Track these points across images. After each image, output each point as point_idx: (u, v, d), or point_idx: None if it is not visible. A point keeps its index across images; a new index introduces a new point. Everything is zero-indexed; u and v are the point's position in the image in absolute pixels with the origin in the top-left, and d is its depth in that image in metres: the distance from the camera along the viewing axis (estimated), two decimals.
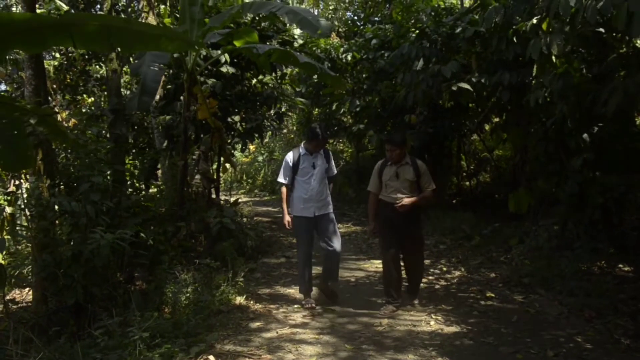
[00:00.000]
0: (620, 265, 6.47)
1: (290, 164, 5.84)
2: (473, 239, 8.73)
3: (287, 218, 5.89)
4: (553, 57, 5.95)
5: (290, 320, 5.39)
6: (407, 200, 5.41)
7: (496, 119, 10.48)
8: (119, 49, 4.34)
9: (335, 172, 6.21)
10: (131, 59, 10.85)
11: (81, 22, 4.18)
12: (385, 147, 5.73)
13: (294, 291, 6.42)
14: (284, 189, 5.95)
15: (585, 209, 6.83)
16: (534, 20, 6.01)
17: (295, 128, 19.03)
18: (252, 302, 6.01)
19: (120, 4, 9.84)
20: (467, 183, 12.59)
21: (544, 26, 5.71)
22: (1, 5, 18.89)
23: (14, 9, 14.99)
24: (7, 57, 9.73)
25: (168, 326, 4.78)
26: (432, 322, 5.17)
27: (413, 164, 5.54)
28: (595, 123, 6.73)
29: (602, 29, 5.81)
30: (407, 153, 5.61)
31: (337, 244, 5.83)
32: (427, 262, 7.19)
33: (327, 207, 5.90)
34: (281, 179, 5.93)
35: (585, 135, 6.70)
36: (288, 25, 9.93)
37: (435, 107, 10.45)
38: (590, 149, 6.67)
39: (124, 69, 11.07)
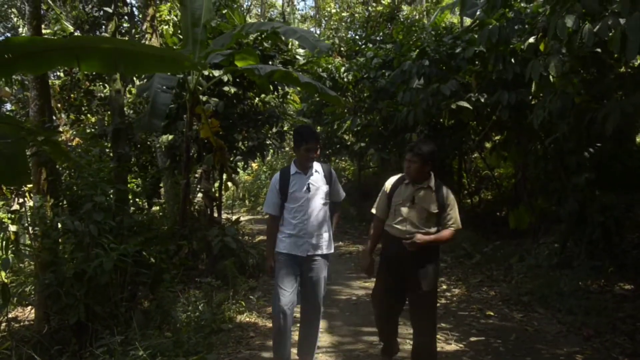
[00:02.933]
0: (621, 284, 6.48)
1: (277, 187, 4.41)
2: (474, 257, 8.75)
3: (271, 263, 4.46)
4: (551, 77, 6.02)
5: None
6: (420, 238, 3.99)
7: (496, 137, 10.54)
8: (124, 73, 4.42)
9: (343, 196, 4.73)
10: (136, 80, 10.98)
11: (86, 45, 4.26)
12: (405, 158, 4.31)
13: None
14: (270, 221, 4.54)
15: (585, 227, 6.86)
16: (531, 40, 6.10)
17: None
18: (253, 320, 6.03)
19: (124, 26, 9.98)
20: (469, 201, 12.61)
21: (542, 47, 5.80)
22: (8, 26, 19.17)
23: (20, 29, 15.21)
24: (14, 78, 9.86)
25: (169, 345, 4.81)
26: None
27: (438, 189, 4.13)
28: (594, 142, 6.79)
29: (599, 49, 5.90)
30: (432, 172, 4.19)
31: (320, 301, 4.48)
32: None
33: (325, 245, 4.45)
34: (267, 207, 4.51)
35: (585, 154, 6.76)
36: (289, 45, 10.06)
37: (436, 126, 10.52)
38: (590, 168, 6.73)
39: (128, 88, 11.18)
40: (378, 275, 4.46)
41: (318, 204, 4.38)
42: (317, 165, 4.47)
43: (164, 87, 6.92)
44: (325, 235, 4.45)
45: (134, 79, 10.95)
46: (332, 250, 4.54)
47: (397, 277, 4.22)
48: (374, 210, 4.49)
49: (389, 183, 4.37)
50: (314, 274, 4.41)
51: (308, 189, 4.38)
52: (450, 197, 4.13)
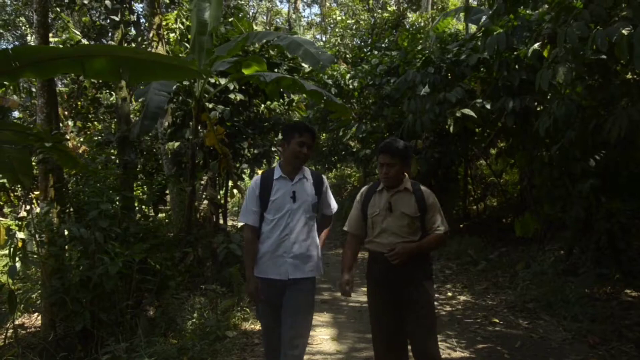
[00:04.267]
0: (627, 291, 6.45)
1: (257, 192, 3.71)
2: (479, 263, 8.73)
3: (255, 285, 3.67)
4: (560, 83, 6.02)
5: None
6: (403, 247, 3.51)
7: (502, 144, 10.54)
8: (129, 80, 4.45)
9: (335, 209, 4.03)
10: (142, 88, 11.05)
11: (92, 53, 4.32)
12: (377, 160, 3.79)
13: None
14: (248, 234, 3.73)
15: (591, 234, 6.84)
16: (536, 46, 6.10)
17: None
18: (257, 327, 6.04)
19: (130, 34, 10.05)
20: (474, 207, 12.60)
21: (545, 53, 5.80)
22: (17, 34, 19.33)
23: (28, 38, 15.35)
24: (22, 86, 9.96)
25: (174, 351, 4.82)
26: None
27: (416, 191, 3.67)
28: (600, 149, 6.77)
29: (604, 56, 5.89)
30: (408, 174, 3.76)
31: (301, 342, 3.56)
32: None
33: (309, 267, 3.69)
34: (244, 217, 3.76)
35: (591, 161, 6.75)
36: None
37: (441, 132, 10.53)
38: (595, 175, 6.71)
39: (133, 96, 11.27)
40: (370, 305, 3.81)
41: (304, 217, 3.68)
42: (306, 171, 3.81)
43: (161, 92, 6.95)
44: (312, 255, 3.70)
45: (140, 86, 11.02)
46: (321, 273, 3.80)
47: (390, 297, 3.64)
48: (346, 228, 3.90)
49: (360, 195, 3.88)
50: (296, 300, 3.60)
51: (293, 197, 3.66)
52: (431, 198, 3.66)
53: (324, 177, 3.98)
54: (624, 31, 4.26)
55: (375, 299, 3.76)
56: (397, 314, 3.63)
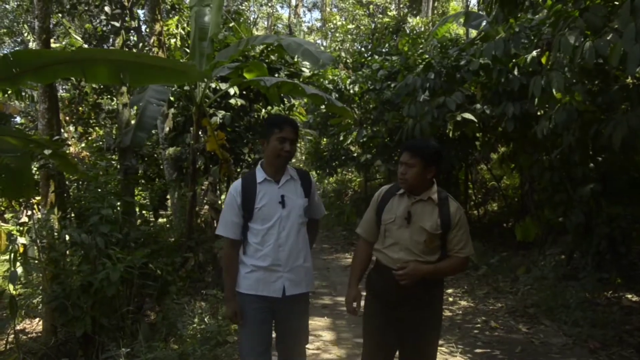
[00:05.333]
0: (628, 296, 6.46)
1: (238, 201, 3.24)
2: (480, 268, 8.73)
3: (235, 307, 3.27)
4: (553, 91, 6.04)
5: None
6: (415, 268, 3.02)
7: (503, 149, 10.55)
8: (129, 83, 4.47)
9: (323, 212, 3.64)
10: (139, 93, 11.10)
11: (92, 58, 4.35)
12: (399, 161, 3.24)
13: None
14: (228, 248, 3.35)
15: (591, 238, 6.84)
16: (534, 54, 6.12)
17: (304, 158, 19.20)
18: None
19: (131, 40, 10.10)
20: (475, 212, 12.60)
21: (544, 60, 5.81)
22: (18, 40, 19.40)
23: (30, 44, 15.40)
24: (24, 93, 10.00)
25: (174, 357, 4.83)
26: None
27: (442, 203, 3.12)
28: (600, 153, 6.78)
29: (602, 61, 5.90)
30: (435, 180, 3.21)
31: None
32: None
33: (306, 280, 3.35)
34: (223, 229, 3.30)
35: (591, 165, 6.75)
36: (295, 58, 10.14)
37: (442, 137, 10.54)
38: (596, 179, 6.72)
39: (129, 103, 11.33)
40: (365, 317, 3.35)
41: (296, 224, 3.26)
42: (291, 171, 3.37)
43: (155, 100, 6.96)
44: (307, 266, 3.34)
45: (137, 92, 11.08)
46: (313, 287, 3.45)
47: (389, 316, 3.18)
48: (359, 230, 3.44)
49: (378, 195, 3.35)
50: (294, 322, 3.32)
51: (282, 202, 3.24)
52: (459, 214, 3.09)
53: (311, 176, 3.55)
54: (616, 38, 4.28)
55: (371, 311, 3.31)
56: (393, 335, 3.19)
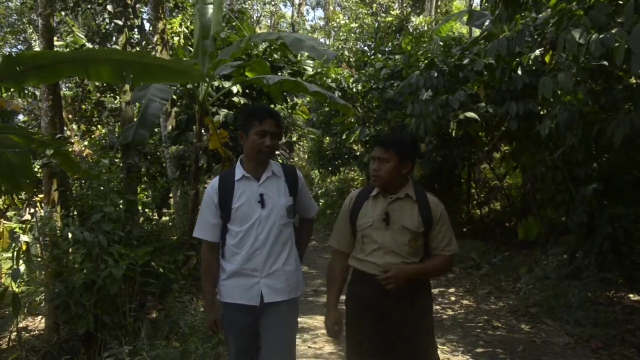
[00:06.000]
0: (630, 295, 6.45)
1: (215, 200, 3.00)
2: (482, 267, 8.73)
3: (215, 316, 3.09)
4: (558, 91, 6.03)
5: (301, 349, 5.42)
6: (399, 269, 2.80)
7: (505, 148, 10.53)
8: (132, 82, 4.48)
9: (315, 210, 3.34)
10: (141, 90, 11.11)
11: (95, 57, 4.36)
12: (371, 157, 2.99)
13: (303, 319, 6.46)
14: (206, 252, 3.11)
15: (594, 238, 6.83)
16: (537, 52, 6.11)
17: (307, 156, 19.20)
18: None
19: (134, 38, 10.11)
20: (478, 211, 12.59)
21: (547, 59, 5.80)
22: (21, 39, 19.44)
23: (33, 42, 15.44)
24: (27, 91, 10.02)
25: (176, 355, 4.83)
26: (438, 352, 5.18)
27: (420, 199, 2.91)
28: (603, 153, 6.77)
29: (605, 62, 5.89)
30: (410, 176, 2.98)
31: None
32: (434, 291, 7.17)
33: (289, 286, 3.01)
34: (199, 231, 3.08)
35: (594, 165, 6.74)
36: (298, 57, 10.14)
37: (444, 136, 10.54)
38: (598, 179, 6.71)
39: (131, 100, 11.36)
40: (349, 343, 3.06)
41: (277, 225, 2.96)
42: (275, 167, 3.07)
43: (158, 98, 6.96)
44: (288, 270, 3.00)
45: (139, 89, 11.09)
46: (303, 291, 3.16)
47: (377, 336, 2.89)
48: (332, 242, 3.12)
49: (350, 200, 3.07)
50: (275, 333, 2.97)
51: (262, 202, 2.94)
52: (439, 209, 2.91)
53: (299, 171, 3.23)
54: (619, 37, 4.27)
55: (355, 331, 2.99)
56: (384, 351, 2.88)
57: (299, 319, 3.19)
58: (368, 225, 2.91)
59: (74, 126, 12.15)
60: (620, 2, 4.89)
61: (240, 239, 2.94)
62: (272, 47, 9.90)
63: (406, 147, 2.91)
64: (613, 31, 4.35)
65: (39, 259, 6.24)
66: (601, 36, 4.54)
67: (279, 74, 9.41)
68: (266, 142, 2.90)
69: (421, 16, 19.41)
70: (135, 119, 8.34)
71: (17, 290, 6.16)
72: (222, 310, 3.07)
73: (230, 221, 2.97)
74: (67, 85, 13.49)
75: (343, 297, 3.09)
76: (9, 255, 7.59)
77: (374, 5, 22.24)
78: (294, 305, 3.08)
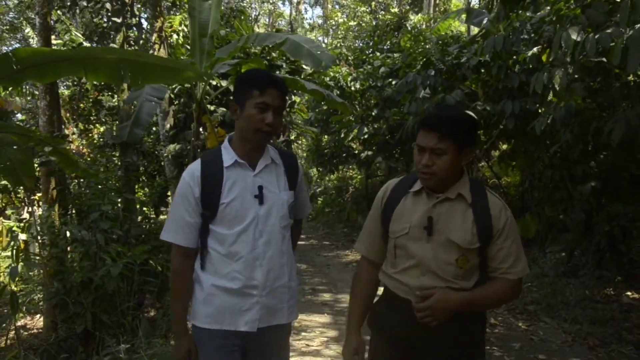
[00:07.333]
0: (628, 293, 6.46)
1: (196, 192, 2.26)
2: None
3: (189, 346, 2.35)
4: (556, 87, 6.03)
5: (299, 348, 5.43)
6: (442, 298, 2.04)
7: (503, 146, 10.54)
8: (130, 82, 4.48)
9: (309, 210, 2.73)
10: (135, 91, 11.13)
11: (93, 56, 4.37)
12: (414, 145, 2.13)
13: (301, 317, 6.46)
14: (177, 261, 2.34)
15: (592, 236, 6.85)
16: (535, 50, 6.11)
17: (305, 155, 19.22)
18: None
19: (132, 36, 10.10)
20: None
21: (544, 57, 5.81)
22: (18, 37, 19.42)
23: (31, 40, 15.43)
24: (25, 89, 10.03)
25: (174, 353, 4.84)
26: None
27: (477, 201, 2.10)
28: (600, 151, 6.78)
29: (604, 59, 5.89)
30: (466, 168, 2.21)
31: None
32: None
33: (289, 307, 2.41)
34: (170, 232, 2.32)
35: (592, 163, 6.76)
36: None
37: None
38: (596, 177, 6.72)
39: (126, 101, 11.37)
40: None
41: (278, 227, 2.31)
42: (272, 152, 2.39)
43: (153, 97, 6.97)
44: (293, 287, 2.41)
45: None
46: (296, 314, 2.47)
47: None
48: (359, 247, 2.40)
49: (384, 193, 2.28)
50: (267, 353, 2.40)
51: (260, 196, 2.27)
52: (505, 216, 2.09)
53: (297, 160, 2.59)
54: (615, 37, 4.28)
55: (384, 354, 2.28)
56: None
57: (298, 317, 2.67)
58: (404, 233, 2.13)
59: (72, 125, 12.14)
60: (617, 0, 4.90)
61: (232, 245, 2.25)
62: (270, 46, 9.89)
63: (467, 131, 2.09)
64: (609, 30, 4.35)
65: (37, 258, 6.25)
66: (597, 35, 4.56)
67: (277, 72, 9.41)
68: (267, 118, 2.20)
69: (419, 14, 19.42)
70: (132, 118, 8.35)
71: (15, 288, 6.17)
72: (196, 335, 2.35)
73: (215, 221, 2.26)
74: (64, 83, 13.48)
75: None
76: (8, 253, 7.60)
77: (373, 3, 22.23)
78: (289, 328, 2.52)
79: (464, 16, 9.57)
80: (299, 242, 2.84)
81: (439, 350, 2.11)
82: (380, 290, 2.37)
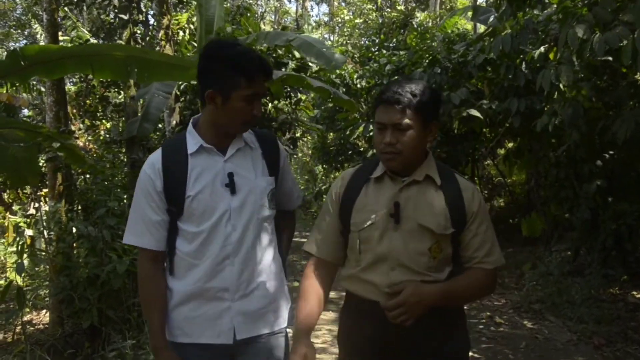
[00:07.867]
0: (634, 292, 6.45)
1: (159, 184, 1.95)
2: None
3: (171, 359, 1.96)
4: (561, 86, 6.01)
5: None
6: (415, 292, 1.79)
7: (509, 144, 10.53)
8: (136, 79, 4.50)
9: (300, 200, 2.33)
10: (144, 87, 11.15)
11: (100, 53, 4.39)
12: (373, 122, 1.96)
13: None
14: (145, 266, 2.02)
15: (598, 235, 6.83)
16: (542, 49, 6.10)
17: (310, 152, 19.22)
18: None
19: (139, 33, 10.12)
20: None
21: (551, 55, 5.79)
22: (25, 33, 19.49)
23: (38, 37, 15.49)
24: (32, 84, 10.06)
25: None
26: None
27: (448, 184, 1.92)
28: (606, 150, 6.76)
29: (610, 58, 5.87)
30: (430, 149, 2.00)
31: None
32: None
33: (273, 313, 2.08)
34: (133, 234, 2.02)
35: (598, 162, 6.74)
36: (309, 62, 10.15)
37: (448, 132, 10.53)
38: (602, 176, 6.70)
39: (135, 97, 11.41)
40: None
41: (255, 220, 2.01)
42: (247, 135, 2.07)
43: (161, 93, 6.98)
44: (276, 290, 2.09)
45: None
46: (287, 323, 2.15)
47: None
48: (309, 247, 2.06)
49: (341, 184, 2.05)
50: None
51: (232, 184, 1.96)
52: (477, 198, 1.92)
53: (279, 142, 2.18)
54: (622, 36, 4.25)
55: None
56: None
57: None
58: (368, 224, 1.89)
59: (78, 121, 12.19)
60: None
61: (201, 243, 1.96)
62: (277, 45, 9.90)
63: (431, 102, 1.88)
64: (617, 30, 4.33)
65: (43, 253, 6.27)
66: (605, 35, 4.53)
67: (283, 69, 9.41)
68: (256, 109, 1.94)
69: (426, 12, 19.37)
70: (139, 114, 8.37)
71: (21, 284, 6.20)
72: (177, 352, 2.00)
73: (182, 218, 1.97)
74: (71, 80, 13.52)
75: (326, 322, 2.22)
76: (14, 249, 7.63)
77: (379, 0, 22.19)
78: (283, 336, 2.14)
79: (470, 14, 9.56)
80: (302, 240, 2.74)
81: (424, 354, 1.90)
82: (336, 295, 2.08)
